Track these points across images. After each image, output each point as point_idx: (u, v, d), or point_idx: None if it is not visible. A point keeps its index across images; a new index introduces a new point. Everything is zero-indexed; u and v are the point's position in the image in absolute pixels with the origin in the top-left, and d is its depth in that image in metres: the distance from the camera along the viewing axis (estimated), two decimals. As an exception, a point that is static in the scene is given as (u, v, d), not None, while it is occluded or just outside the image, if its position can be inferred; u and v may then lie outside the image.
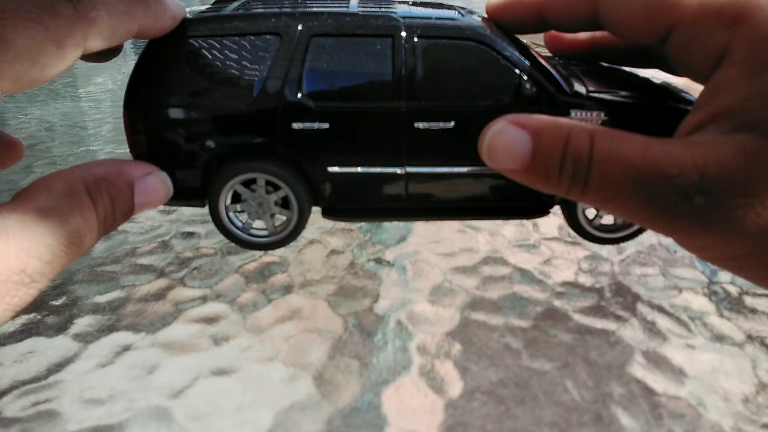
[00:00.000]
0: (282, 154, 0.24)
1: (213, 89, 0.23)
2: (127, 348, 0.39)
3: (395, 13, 0.24)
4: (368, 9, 0.24)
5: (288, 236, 0.26)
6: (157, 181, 0.23)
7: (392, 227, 0.52)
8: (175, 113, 0.24)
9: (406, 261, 0.48)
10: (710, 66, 0.20)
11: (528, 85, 0.24)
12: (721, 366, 0.37)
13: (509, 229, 0.51)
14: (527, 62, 0.24)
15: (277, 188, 0.25)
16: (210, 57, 0.23)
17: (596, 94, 0.24)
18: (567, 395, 0.35)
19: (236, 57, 0.23)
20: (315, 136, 0.24)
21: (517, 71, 0.24)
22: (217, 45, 0.23)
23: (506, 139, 0.20)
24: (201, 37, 0.23)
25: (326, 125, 0.24)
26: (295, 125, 0.24)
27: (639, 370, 0.37)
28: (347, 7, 0.24)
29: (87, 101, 0.85)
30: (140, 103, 0.24)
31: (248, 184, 0.26)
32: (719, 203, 0.17)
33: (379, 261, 0.48)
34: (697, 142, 0.18)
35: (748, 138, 0.17)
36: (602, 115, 0.24)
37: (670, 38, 0.21)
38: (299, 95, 0.23)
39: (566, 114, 0.24)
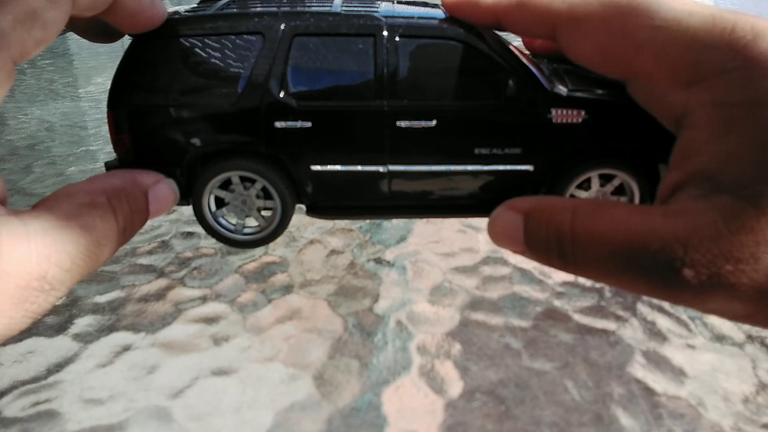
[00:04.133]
0: (265, 152, 0.24)
1: (197, 88, 0.24)
2: (127, 348, 0.39)
3: (378, 12, 0.24)
4: (351, 8, 0.24)
5: (278, 227, 0.26)
6: (167, 188, 0.23)
7: (392, 227, 0.52)
8: (159, 112, 0.24)
9: (406, 261, 0.48)
10: (671, 118, 0.20)
11: (509, 84, 0.24)
12: (721, 366, 0.37)
13: (509, 229, 0.51)
14: (509, 62, 0.24)
15: (254, 182, 0.26)
16: (194, 56, 0.24)
17: (577, 93, 0.24)
18: (567, 395, 0.35)
19: (220, 56, 0.24)
20: (298, 135, 0.24)
21: (498, 71, 0.24)
22: (201, 44, 0.23)
23: (503, 223, 0.22)
24: (185, 36, 0.23)
25: (309, 124, 0.24)
26: (278, 124, 0.24)
27: (639, 370, 0.37)
28: (330, 6, 0.25)
29: (87, 101, 0.85)
30: (124, 102, 0.24)
31: (227, 186, 0.26)
32: (709, 273, 0.17)
33: (379, 261, 0.48)
34: (677, 210, 0.18)
35: (725, 200, 0.17)
36: (582, 113, 0.24)
37: (630, 86, 0.21)
38: (282, 94, 0.24)
39: (547, 113, 0.24)
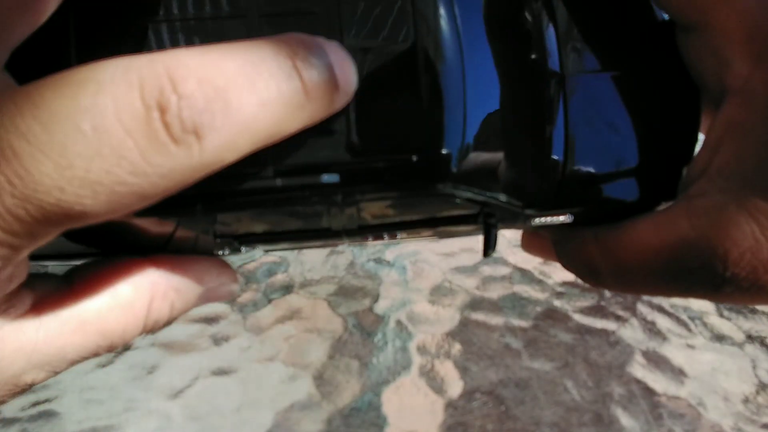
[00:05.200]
0: None
1: None
2: (127, 348, 0.39)
3: None
4: None
5: None
6: (226, 293, 0.19)
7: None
8: None
9: (406, 261, 0.48)
10: (718, 87, 0.18)
11: None
12: (721, 366, 0.37)
13: (509, 229, 0.51)
14: None
15: None
16: None
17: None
18: (567, 395, 0.35)
19: None
20: None
21: None
22: None
23: (537, 248, 0.22)
24: None
25: None
26: None
27: (639, 370, 0.37)
28: None
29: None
30: None
31: None
32: (749, 284, 0.17)
33: (379, 261, 0.48)
34: (706, 213, 0.17)
35: (759, 204, 0.16)
36: None
37: (689, 35, 0.18)
38: None
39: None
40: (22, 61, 0.14)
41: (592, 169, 0.18)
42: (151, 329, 0.17)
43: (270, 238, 0.19)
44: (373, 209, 0.17)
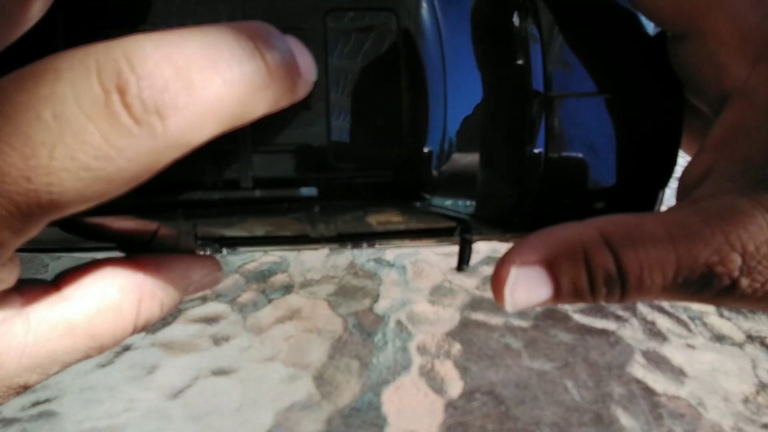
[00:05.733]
0: None
1: None
2: (127, 348, 0.39)
3: None
4: None
5: None
6: (212, 281, 0.20)
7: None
8: None
9: (406, 261, 0.48)
10: (719, 91, 0.18)
11: None
12: (721, 366, 0.37)
13: (509, 229, 0.51)
14: None
15: None
16: None
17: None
18: (567, 395, 0.35)
19: None
20: None
21: None
22: None
23: (524, 285, 0.17)
24: None
25: None
26: None
27: (639, 370, 0.37)
28: None
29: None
30: None
31: None
32: (765, 280, 0.16)
33: (379, 261, 0.48)
34: (719, 212, 0.17)
35: None
36: None
37: (685, 44, 0.18)
38: None
39: None
40: (9, 64, 0.14)
41: (569, 190, 0.18)
42: (142, 328, 0.18)
43: (250, 242, 0.19)
44: (351, 221, 0.17)
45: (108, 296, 0.17)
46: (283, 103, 0.14)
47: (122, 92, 0.11)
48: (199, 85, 0.12)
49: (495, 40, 0.17)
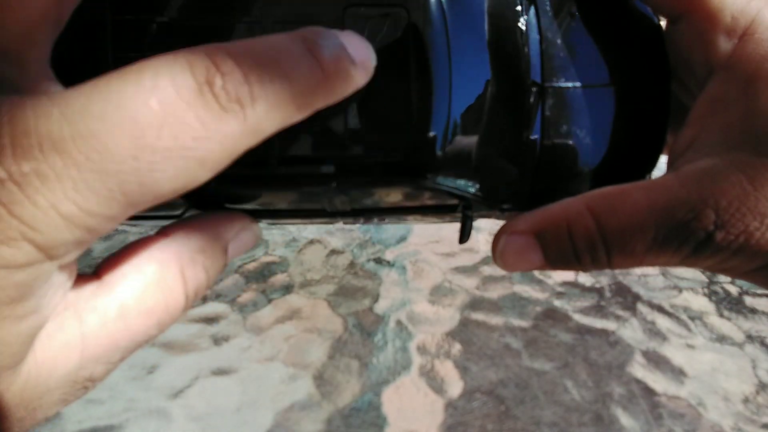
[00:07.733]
0: None
1: None
2: (127, 348, 0.39)
3: None
4: None
5: None
6: (250, 237, 0.20)
7: (392, 227, 0.52)
8: None
9: (406, 261, 0.48)
10: (706, 69, 0.19)
11: None
12: (721, 366, 0.37)
13: (509, 229, 0.51)
14: None
15: None
16: None
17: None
18: (567, 395, 0.35)
19: None
20: None
21: None
22: None
23: (514, 251, 0.20)
24: None
25: None
26: None
27: (639, 370, 0.37)
28: None
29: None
30: None
31: None
32: (738, 232, 0.17)
33: (379, 261, 0.48)
34: (696, 174, 0.18)
35: (743, 157, 0.17)
36: None
37: (676, 25, 0.20)
38: None
39: None
40: (62, 57, 0.16)
41: (562, 172, 0.20)
42: (195, 296, 0.18)
43: (272, 214, 0.21)
44: (364, 197, 0.19)
45: (149, 272, 0.17)
46: (342, 92, 0.15)
47: (211, 85, 0.13)
48: (267, 81, 0.14)
49: (497, 34, 0.19)
